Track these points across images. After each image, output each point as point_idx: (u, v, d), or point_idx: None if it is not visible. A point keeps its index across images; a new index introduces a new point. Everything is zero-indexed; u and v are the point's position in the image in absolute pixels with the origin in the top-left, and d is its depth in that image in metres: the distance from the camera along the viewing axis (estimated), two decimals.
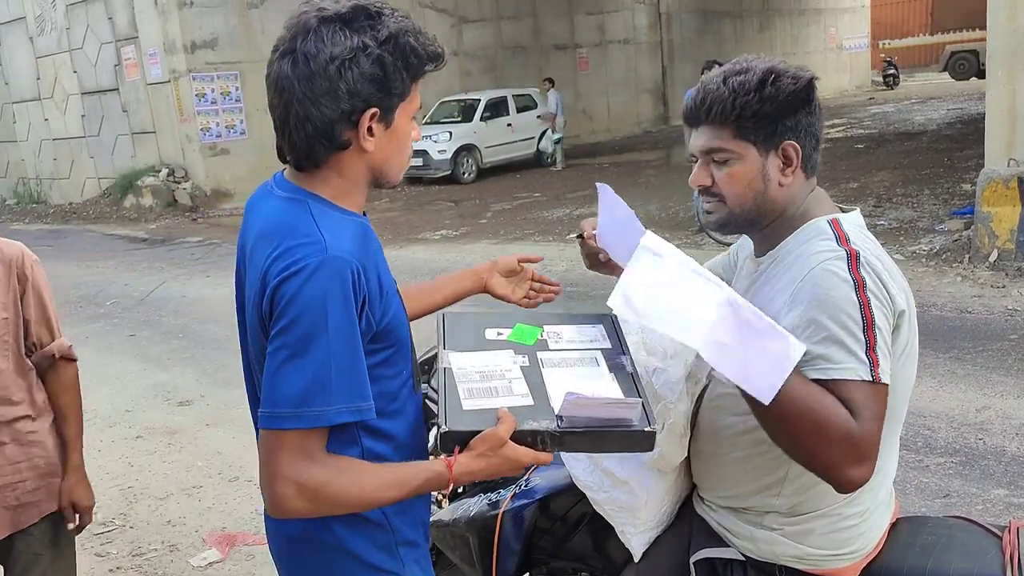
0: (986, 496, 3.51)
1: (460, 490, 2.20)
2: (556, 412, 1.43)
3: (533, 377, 1.53)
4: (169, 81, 15.75)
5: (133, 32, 16.16)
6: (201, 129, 15.69)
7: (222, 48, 15.86)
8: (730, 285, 1.81)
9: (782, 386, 1.32)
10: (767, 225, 1.63)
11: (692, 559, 1.69)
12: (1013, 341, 5.28)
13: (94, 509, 2.38)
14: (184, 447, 4.89)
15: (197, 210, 15.44)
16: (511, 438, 1.39)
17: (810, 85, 1.56)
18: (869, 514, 1.60)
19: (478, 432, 1.39)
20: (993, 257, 6.85)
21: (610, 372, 1.56)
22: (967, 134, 16.21)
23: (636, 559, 1.77)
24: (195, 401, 5.67)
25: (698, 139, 1.61)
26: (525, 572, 2.11)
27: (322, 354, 1.28)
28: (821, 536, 1.58)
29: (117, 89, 17.00)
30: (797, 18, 29.90)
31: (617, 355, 1.61)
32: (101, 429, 5.28)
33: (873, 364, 1.40)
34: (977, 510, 3.37)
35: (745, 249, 1.84)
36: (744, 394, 1.37)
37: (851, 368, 1.40)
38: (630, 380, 1.54)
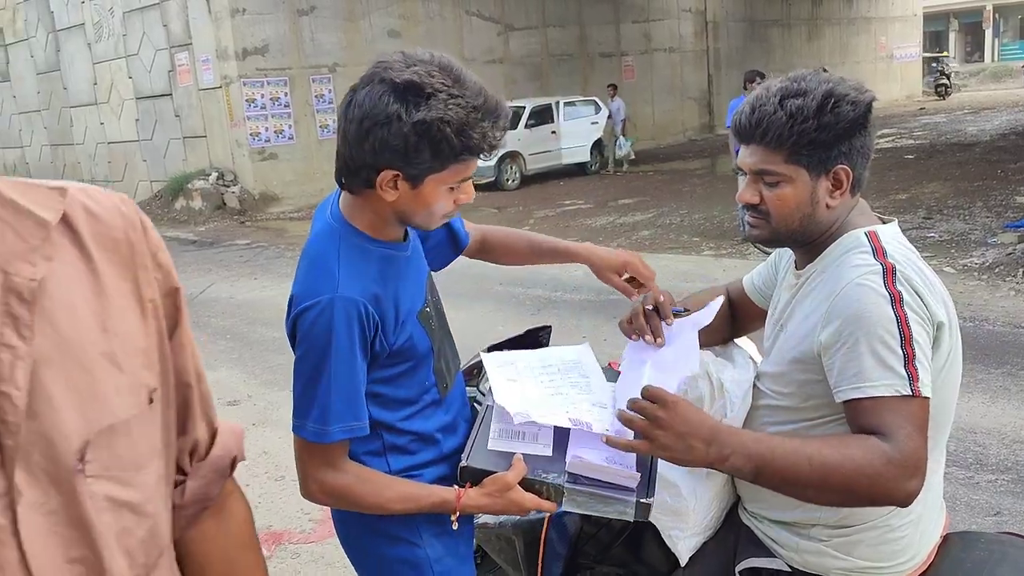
0: None
1: None
2: (565, 467, 1.56)
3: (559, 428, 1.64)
4: (220, 87, 16.04)
5: (187, 39, 16.50)
6: (250, 134, 15.96)
7: (272, 55, 16.12)
8: (771, 295, 1.83)
9: (764, 460, 1.42)
10: (810, 242, 1.63)
11: (738, 568, 1.69)
12: None
13: None
14: None
15: (245, 213, 15.71)
16: (521, 484, 1.56)
17: (868, 108, 1.54)
18: (918, 524, 1.59)
19: (492, 472, 1.57)
20: None
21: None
22: (1022, 145, 15.89)
23: (683, 563, 1.77)
24: (242, 401, 5.77)
25: (749, 157, 1.60)
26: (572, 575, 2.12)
27: (326, 384, 1.48)
28: (870, 548, 1.57)
29: (170, 94, 17.37)
30: (847, 27, 29.55)
31: None
32: None
33: (912, 378, 1.40)
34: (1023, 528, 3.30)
35: (785, 258, 1.84)
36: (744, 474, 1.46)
37: (889, 384, 1.40)
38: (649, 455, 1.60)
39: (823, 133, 1.51)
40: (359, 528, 1.68)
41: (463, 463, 1.61)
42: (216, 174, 16.48)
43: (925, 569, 1.61)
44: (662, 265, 8.89)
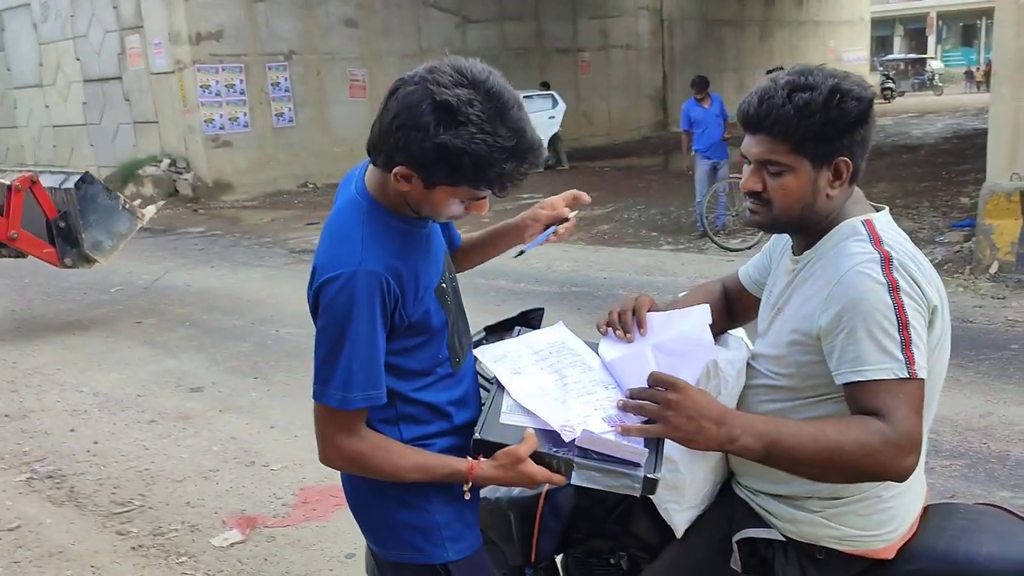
0: (991, 498, 3.59)
1: None
2: (572, 439, 1.61)
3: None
4: (173, 72, 15.77)
5: (138, 21, 16.18)
6: (204, 121, 15.72)
7: (227, 40, 15.90)
8: (766, 283, 1.91)
9: (772, 440, 1.51)
10: (809, 228, 1.71)
11: (735, 538, 1.76)
12: (1014, 351, 5.39)
13: (112, 489, 2.28)
14: (198, 432, 4.94)
15: (198, 201, 15.48)
16: (531, 457, 1.59)
17: (871, 104, 1.61)
18: (904, 495, 1.69)
19: (504, 445, 1.61)
20: (994, 269, 6.97)
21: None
22: (964, 149, 16.40)
23: (679, 535, 1.84)
24: (206, 388, 5.72)
25: (755, 147, 1.66)
26: (563, 551, 2.18)
27: (347, 352, 1.53)
28: (861, 517, 1.66)
29: (120, 78, 17.01)
30: (797, 29, 30.08)
31: None
32: (113, 412, 5.34)
33: (909, 361, 1.48)
34: None
35: (779, 247, 1.92)
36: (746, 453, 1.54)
37: (887, 367, 1.48)
38: None
39: (829, 127, 1.58)
40: (369, 493, 1.72)
41: (476, 436, 1.65)
42: (168, 161, 16.21)
43: (910, 537, 1.71)
44: (621, 259, 9.03)
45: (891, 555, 1.68)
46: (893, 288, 1.52)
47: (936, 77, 36.22)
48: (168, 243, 11.96)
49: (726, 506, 1.83)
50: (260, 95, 16.38)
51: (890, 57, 41.75)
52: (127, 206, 7.56)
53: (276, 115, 16.62)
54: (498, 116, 1.44)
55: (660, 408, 1.53)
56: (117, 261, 10.58)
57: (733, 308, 2.05)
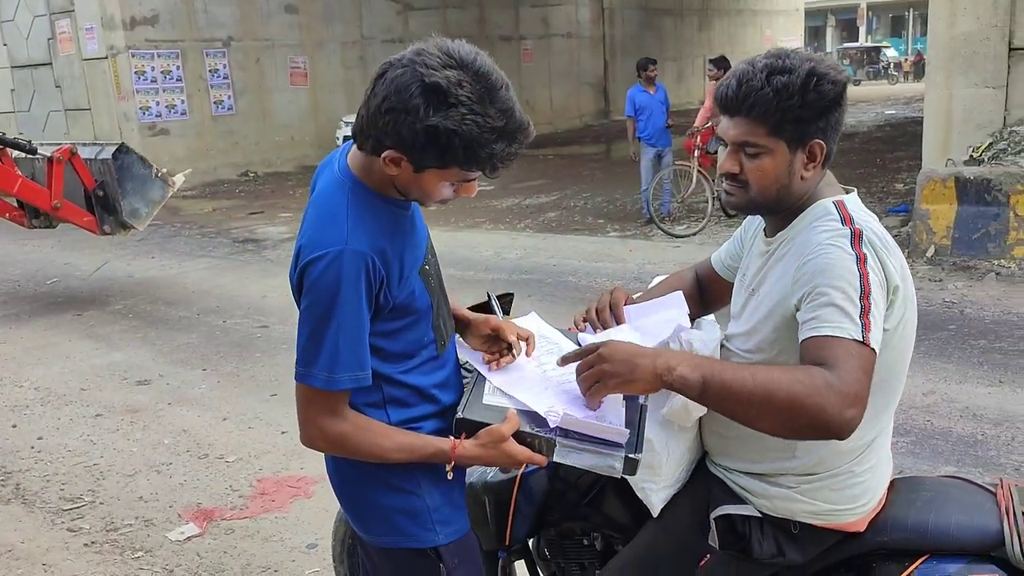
0: (936, 473, 3.72)
1: None
2: (556, 423, 1.63)
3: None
4: (106, 57, 15.31)
5: (68, 5, 15.65)
6: (140, 108, 15.31)
7: (163, 26, 15.50)
8: (739, 266, 1.94)
9: (709, 370, 1.51)
10: (783, 210, 1.74)
11: (712, 515, 1.80)
12: (952, 331, 5.58)
13: (60, 485, 2.24)
14: (147, 425, 4.84)
15: None
16: (513, 437, 1.61)
17: (845, 87, 1.65)
18: (875, 470, 1.74)
19: (487, 425, 1.62)
20: (930, 252, 7.18)
21: (624, 398, 1.71)
22: (896, 136, 16.86)
23: (655, 514, 1.87)
24: (154, 380, 5.60)
25: (732, 129, 1.68)
26: (536, 534, 2.20)
27: (333, 332, 1.51)
28: (834, 492, 1.71)
29: (50, 64, 16.46)
30: (735, 18, 30.54)
31: None
32: (57, 407, 5.20)
33: (865, 327, 1.50)
34: None
35: (750, 230, 1.96)
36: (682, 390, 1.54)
37: (843, 327, 1.50)
38: (637, 410, 1.69)
39: (806, 110, 1.62)
40: (355, 476, 1.70)
41: (459, 415, 1.66)
42: None
43: (879, 510, 1.76)
44: (570, 246, 9.08)
45: (863, 528, 1.74)
46: (861, 260, 1.56)
47: (891, 66, 37.00)
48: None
49: (702, 484, 1.86)
50: (198, 82, 16.03)
51: (846, 45, 42.36)
52: (159, 174, 7.79)
53: (215, 103, 16.27)
54: (487, 97, 1.44)
55: (594, 365, 1.58)
56: (52, 253, 10.31)
57: (706, 295, 2.08)
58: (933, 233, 7.21)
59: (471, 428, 1.65)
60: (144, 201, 7.69)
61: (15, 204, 7.69)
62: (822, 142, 1.66)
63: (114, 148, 7.54)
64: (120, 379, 5.68)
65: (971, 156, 7.68)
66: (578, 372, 1.63)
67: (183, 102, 15.84)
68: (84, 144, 8.00)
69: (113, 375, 5.76)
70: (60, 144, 7.61)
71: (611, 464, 1.62)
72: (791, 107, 1.60)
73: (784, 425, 1.49)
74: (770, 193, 1.69)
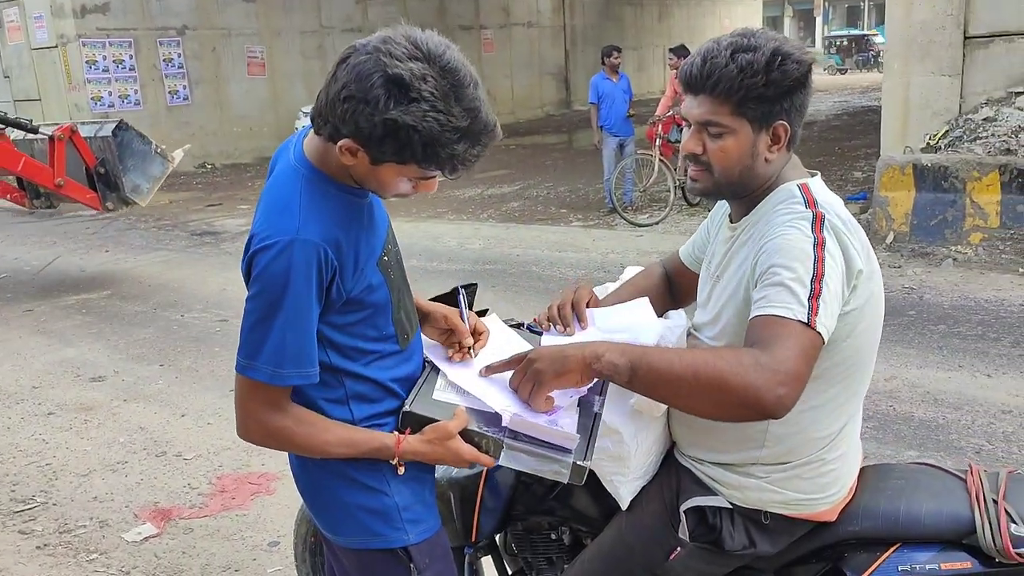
0: (899, 457, 3.74)
1: None
2: (506, 423, 1.58)
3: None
4: (56, 46, 14.96)
5: None
6: (92, 98, 14.99)
7: (115, 14, 15.17)
8: (705, 252, 1.91)
9: (637, 355, 1.48)
10: (747, 194, 1.71)
11: (682, 507, 1.76)
12: (911, 316, 5.64)
13: (11, 486, 2.20)
14: (102, 423, 4.71)
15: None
16: (461, 435, 1.57)
17: (810, 68, 1.62)
18: (845, 458, 1.72)
19: (434, 420, 1.58)
20: (890, 239, 7.25)
21: (578, 405, 1.68)
22: (853, 125, 17.06)
23: (624, 507, 1.83)
24: (108, 377, 5.46)
25: (696, 108, 1.64)
26: (503, 529, 2.16)
27: (280, 324, 1.45)
28: (806, 481, 1.68)
29: None
30: (694, 8, 30.69)
31: (593, 393, 1.71)
32: (8, 406, 5.04)
33: (812, 311, 1.46)
34: None
35: (716, 219, 1.93)
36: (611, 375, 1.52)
37: (787, 307, 1.46)
38: (591, 418, 1.66)
39: (769, 89, 1.58)
40: (321, 475, 1.64)
41: (406, 408, 1.61)
42: None
43: (850, 499, 1.74)
44: (533, 236, 9.04)
45: (834, 517, 1.72)
46: (819, 244, 1.52)
47: (881, 54, 37.07)
48: (57, 227, 11.38)
49: (671, 475, 1.82)
50: (152, 72, 15.73)
51: (833, 33, 42.33)
52: (159, 150, 7.91)
53: (170, 93, 15.98)
54: (452, 94, 1.37)
55: (528, 371, 1.57)
56: (1, 247, 10.05)
57: (676, 289, 2.05)
58: (892, 220, 7.28)
59: (418, 423, 1.60)
60: (145, 177, 7.82)
61: (15, 185, 7.79)
62: (786, 124, 1.63)
63: (113, 125, 7.64)
64: (73, 376, 5.53)
65: (928, 143, 7.78)
66: (513, 381, 1.62)
67: (136, 92, 15.53)
68: (83, 123, 8.16)
69: (66, 372, 5.61)
70: (59, 123, 7.66)
71: (558, 470, 1.58)
72: (755, 85, 1.57)
73: (714, 405, 1.45)
74: (733, 175, 1.66)
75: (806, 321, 1.45)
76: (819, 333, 1.46)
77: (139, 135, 7.83)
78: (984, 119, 7.55)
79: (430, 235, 9.25)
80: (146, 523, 3.60)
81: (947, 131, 7.73)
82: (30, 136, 7.43)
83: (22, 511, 3.76)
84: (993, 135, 7.28)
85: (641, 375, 1.48)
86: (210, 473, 4.01)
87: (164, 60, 15.92)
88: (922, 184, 7.18)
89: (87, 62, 14.87)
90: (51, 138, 7.29)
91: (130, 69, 15.43)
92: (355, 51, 1.40)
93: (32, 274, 8.57)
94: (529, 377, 1.57)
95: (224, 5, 16.71)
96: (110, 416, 4.81)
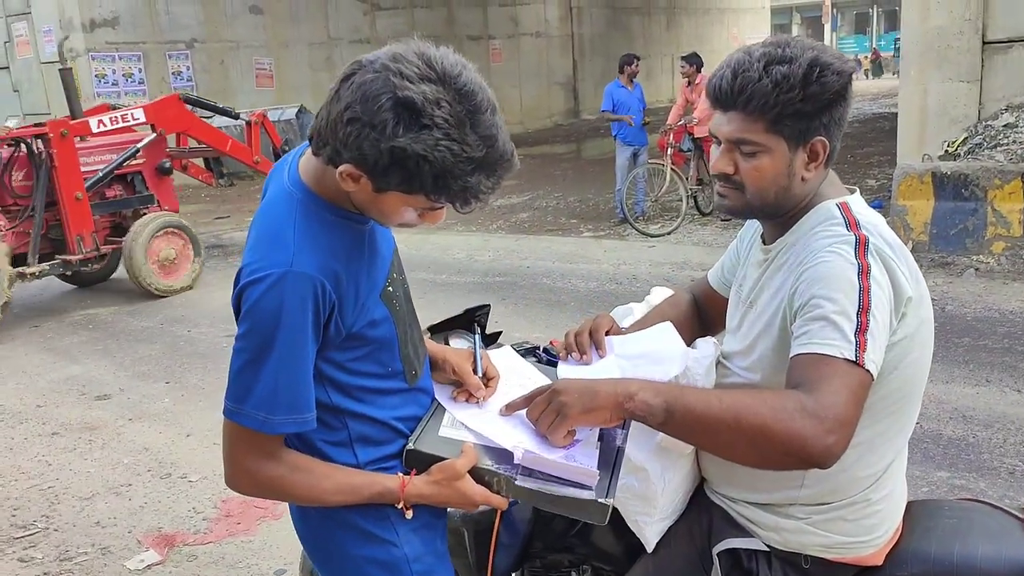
0: (929, 478, 3.61)
1: None
2: (519, 461, 1.45)
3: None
4: (66, 61, 14.93)
5: (25, 7, 15.26)
6: None
7: (124, 28, 15.15)
8: (735, 274, 1.79)
9: (674, 395, 1.37)
10: (782, 214, 1.59)
11: (715, 550, 1.64)
12: (934, 329, 5.48)
13: (11, 511, 2.11)
14: (106, 444, 4.61)
15: None
16: (471, 474, 1.45)
17: (850, 79, 1.50)
18: (892, 497, 1.59)
19: (441, 459, 1.46)
20: (909, 249, 7.10)
21: (599, 438, 1.55)
22: (866, 132, 16.89)
23: (649, 549, 1.71)
24: (114, 395, 5.36)
25: (726, 125, 1.52)
26: (520, 566, 2.04)
27: (272, 366, 1.32)
28: (850, 523, 1.55)
29: (7, 68, 16.05)
30: (702, 17, 30.56)
31: (615, 427, 1.56)
32: (11, 426, 4.95)
33: (860, 346, 1.35)
34: (923, 492, 3.46)
35: (746, 239, 1.81)
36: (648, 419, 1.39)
37: (833, 344, 1.35)
38: (613, 452, 1.53)
39: (808, 104, 1.46)
40: (324, 523, 1.52)
41: (409, 446, 1.49)
42: None
43: (896, 540, 1.61)
44: (543, 247, 8.93)
45: (880, 561, 1.59)
46: (863, 271, 1.41)
47: (882, 60, 37.48)
48: None
49: (702, 515, 1.70)
50: (161, 85, 15.66)
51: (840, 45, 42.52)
52: None
53: None
54: (468, 120, 1.24)
55: (552, 403, 1.43)
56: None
57: (705, 316, 1.92)
58: (911, 229, 7.13)
59: (423, 462, 1.48)
60: None
61: (204, 168, 9.21)
62: (825, 139, 1.51)
63: (295, 110, 9.77)
64: (78, 394, 5.43)
65: (946, 151, 7.63)
66: (533, 413, 1.47)
67: None
68: (270, 108, 10.02)
69: (71, 390, 5.51)
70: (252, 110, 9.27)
71: (577, 510, 1.44)
72: (791, 100, 1.44)
73: (757, 454, 1.35)
74: (768, 196, 1.54)
75: (853, 359, 1.33)
76: (868, 371, 1.34)
77: (316, 116, 9.17)
78: (1004, 125, 7.40)
79: (439, 247, 9.14)
80: (149, 550, 3.49)
81: (966, 138, 7.58)
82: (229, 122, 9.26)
83: (22, 537, 3.65)
84: (1015, 142, 7.13)
85: (678, 418, 1.35)
86: (215, 496, 3.89)
87: (173, 73, 15.88)
88: (942, 192, 7.03)
89: (97, 76, 14.85)
90: (248, 123, 8.77)
91: (139, 83, 15.40)
92: (361, 68, 1.27)
93: (40, 289, 8.49)
94: (553, 409, 1.43)
95: (232, 18, 16.69)
96: (114, 436, 4.71)
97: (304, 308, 1.32)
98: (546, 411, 1.44)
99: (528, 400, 1.50)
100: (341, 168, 1.29)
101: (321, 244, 1.36)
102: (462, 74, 1.25)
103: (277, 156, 8.58)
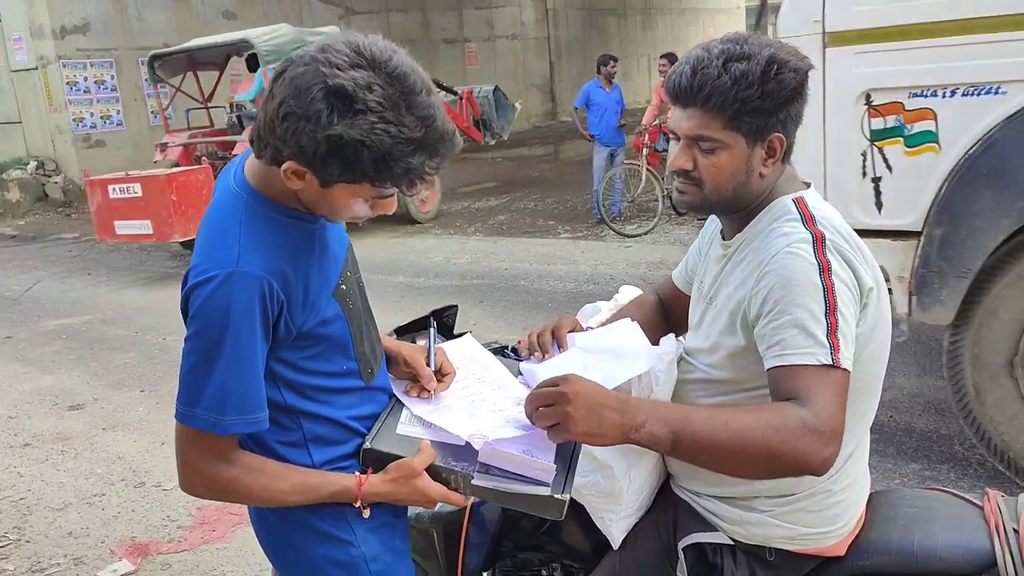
0: (902, 470, 3.64)
1: None
2: (478, 447, 1.44)
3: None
4: (37, 68, 14.79)
5: None
6: (73, 119, 14.82)
7: (95, 34, 15.02)
8: (696, 272, 1.80)
9: (681, 425, 1.35)
10: (740, 210, 1.60)
11: (680, 544, 1.65)
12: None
13: None
14: (79, 454, 4.56)
15: (71, 205, 14.59)
16: (428, 472, 1.45)
17: (806, 76, 1.51)
18: (853, 487, 1.61)
19: (398, 457, 1.46)
20: None
21: None
22: None
23: (615, 546, 1.72)
24: (87, 405, 5.31)
25: (685, 121, 1.53)
26: (490, 566, 2.03)
27: (221, 367, 1.32)
28: (812, 514, 1.57)
29: None
30: (677, 17, 30.70)
31: None
32: None
33: (834, 348, 1.37)
34: (895, 484, 3.49)
35: (707, 236, 1.81)
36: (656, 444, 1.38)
37: (810, 352, 1.37)
38: (570, 447, 1.52)
39: (766, 101, 1.46)
40: (281, 525, 1.51)
41: (366, 445, 1.48)
42: (35, 163, 15.20)
43: (859, 530, 1.63)
44: (521, 249, 8.93)
45: (843, 551, 1.60)
46: (824, 269, 1.42)
47: None
48: (39, 251, 11.22)
49: (667, 510, 1.71)
50: (134, 92, 15.56)
51: None
52: (513, 104, 12.74)
53: (153, 113, 15.79)
54: (403, 102, 1.24)
55: (557, 406, 1.36)
56: None
57: (671, 315, 1.93)
58: None
59: (380, 461, 1.47)
60: (506, 120, 12.58)
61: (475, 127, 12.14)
62: (782, 135, 1.52)
63: (491, 88, 12.38)
64: (51, 404, 5.37)
65: None
66: (533, 403, 1.40)
67: (119, 112, 15.36)
68: (471, 87, 12.48)
69: (44, 400, 5.46)
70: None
71: (534, 506, 1.44)
72: (750, 97, 1.45)
73: (762, 473, 1.41)
74: (726, 192, 1.55)
75: (830, 362, 1.36)
76: (845, 370, 1.38)
77: (503, 94, 12.49)
78: None
79: (416, 250, 9.12)
80: (122, 559, 3.46)
81: None
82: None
83: None
84: None
85: (684, 447, 1.36)
86: (190, 504, 3.86)
87: (146, 79, 15.74)
88: None
89: (68, 83, 14.71)
90: (459, 97, 11.70)
91: (112, 89, 15.27)
92: (292, 64, 1.27)
93: (13, 299, 8.41)
94: (556, 414, 1.37)
95: (205, 23, 16.56)
96: (87, 446, 4.66)
97: (251, 308, 1.32)
98: (548, 411, 1.38)
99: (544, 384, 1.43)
100: (285, 166, 1.29)
101: (267, 243, 1.35)
102: (392, 58, 1.26)
103: (476, 123, 12.08)
